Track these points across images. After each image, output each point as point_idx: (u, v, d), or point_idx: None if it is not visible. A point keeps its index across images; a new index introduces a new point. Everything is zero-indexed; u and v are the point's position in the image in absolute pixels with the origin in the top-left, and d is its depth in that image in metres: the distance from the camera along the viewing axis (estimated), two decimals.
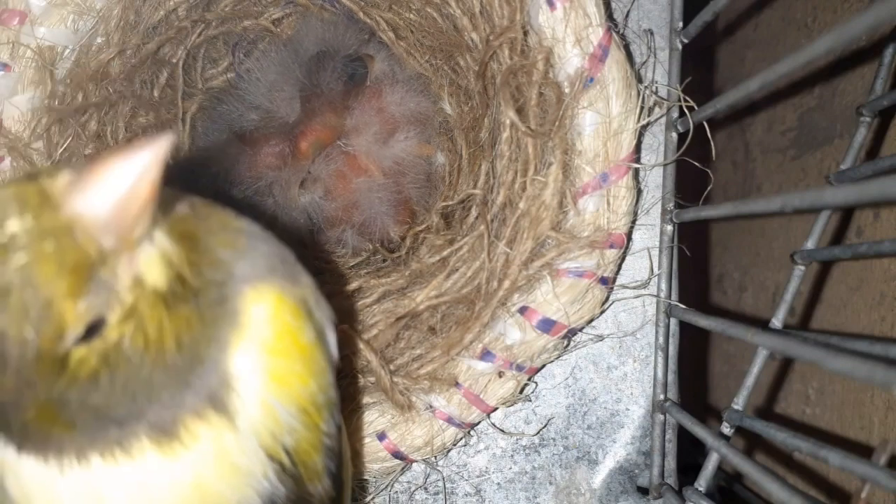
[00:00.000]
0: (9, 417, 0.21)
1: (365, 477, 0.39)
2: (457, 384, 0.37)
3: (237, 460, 0.24)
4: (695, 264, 0.76)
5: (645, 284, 0.40)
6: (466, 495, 0.41)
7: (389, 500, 0.41)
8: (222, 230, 0.25)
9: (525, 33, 0.36)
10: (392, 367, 0.39)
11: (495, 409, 0.38)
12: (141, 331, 0.21)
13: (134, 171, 0.19)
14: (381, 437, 0.38)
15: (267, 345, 0.24)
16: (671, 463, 0.39)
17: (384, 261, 0.47)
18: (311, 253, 0.50)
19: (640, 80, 0.38)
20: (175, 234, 0.22)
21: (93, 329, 0.20)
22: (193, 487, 0.23)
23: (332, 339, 0.27)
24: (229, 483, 0.24)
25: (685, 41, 0.39)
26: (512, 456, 0.41)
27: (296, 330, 0.25)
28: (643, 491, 0.40)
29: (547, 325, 0.36)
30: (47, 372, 0.20)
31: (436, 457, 0.40)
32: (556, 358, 0.39)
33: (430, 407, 0.37)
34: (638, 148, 0.36)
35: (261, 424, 0.24)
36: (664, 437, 0.39)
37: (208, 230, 0.24)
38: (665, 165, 0.39)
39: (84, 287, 0.19)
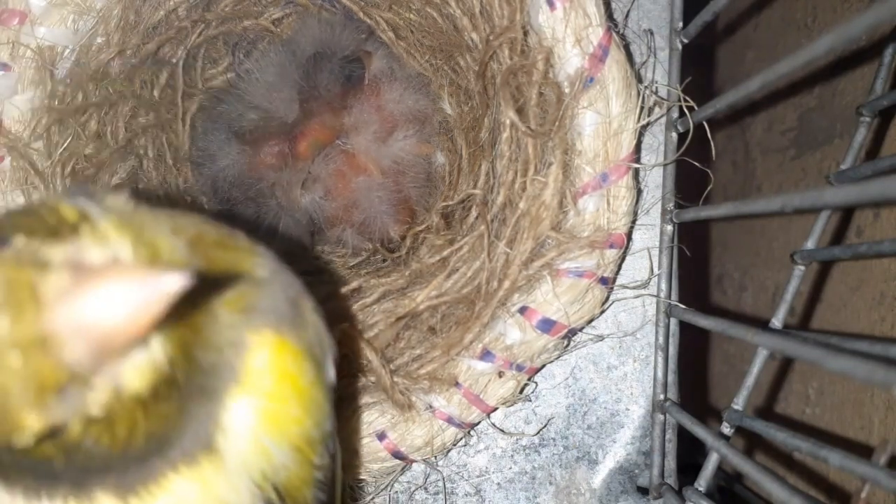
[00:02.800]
0: None
1: (365, 477, 0.39)
2: (457, 384, 0.37)
3: (224, 496, 0.23)
4: (695, 264, 0.76)
5: (645, 284, 0.40)
6: (466, 495, 0.41)
7: (389, 500, 0.41)
8: (232, 287, 0.24)
9: (525, 33, 0.36)
10: (392, 367, 0.39)
11: (495, 409, 0.38)
12: (109, 432, 0.19)
13: (136, 301, 0.17)
14: (381, 437, 0.38)
15: (264, 392, 0.24)
16: (671, 463, 0.39)
17: (384, 261, 0.47)
18: (312, 253, 0.50)
19: (640, 80, 0.38)
20: (175, 334, 0.20)
21: (52, 432, 0.18)
22: None
23: (330, 367, 0.27)
24: None
25: (685, 41, 0.39)
26: (512, 456, 0.41)
27: (296, 374, 0.25)
28: (643, 491, 0.40)
29: (547, 325, 0.36)
30: None
31: (436, 457, 0.40)
32: (556, 358, 0.39)
33: (430, 407, 0.37)
34: (638, 148, 0.36)
35: (252, 462, 0.23)
36: (664, 437, 0.39)
37: (218, 295, 0.23)
38: (665, 165, 0.39)
39: (47, 402, 0.18)
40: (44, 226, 0.19)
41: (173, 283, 0.17)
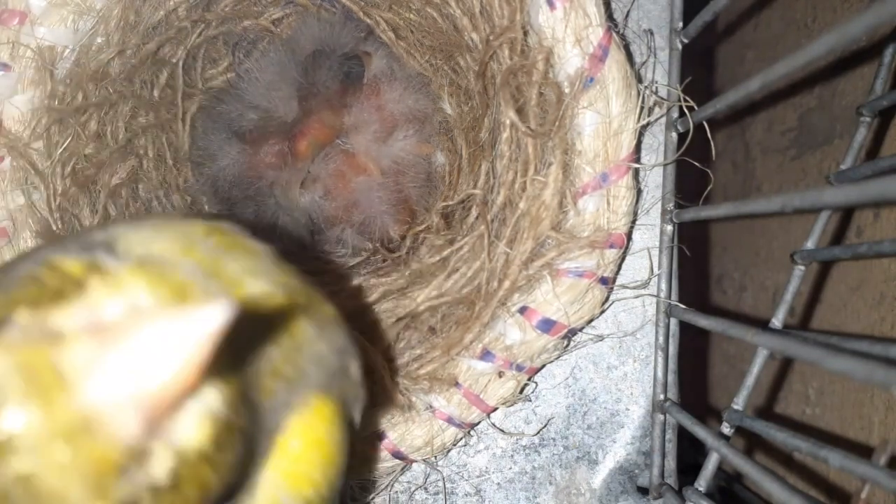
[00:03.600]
0: None
1: (365, 477, 0.39)
2: (457, 384, 0.37)
3: None
4: (695, 264, 0.77)
5: (645, 284, 0.40)
6: (466, 495, 0.41)
7: (389, 500, 0.41)
8: (289, 339, 0.23)
9: (525, 33, 0.36)
10: (392, 367, 0.39)
11: (495, 409, 0.38)
12: (180, 496, 0.17)
13: (177, 350, 0.15)
14: (382, 436, 0.38)
15: (292, 455, 0.23)
16: (671, 463, 0.39)
17: (384, 260, 0.47)
18: (312, 253, 0.50)
19: (640, 80, 0.38)
20: (230, 383, 0.18)
21: None
22: None
23: (357, 417, 0.27)
24: None
25: (685, 41, 0.39)
26: (512, 456, 0.41)
27: (325, 440, 0.24)
28: (643, 491, 0.40)
29: (547, 325, 0.36)
30: None
31: (436, 457, 0.40)
32: (556, 358, 0.39)
33: (430, 407, 0.37)
34: (638, 148, 0.36)
35: None
36: (664, 437, 0.39)
37: (273, 342, 0.22)
38: (665, 165, 0.39)
39: (111, 489, 0.15)
40: (46, 291, 0.17)
41: (212, 319, 0.15)
